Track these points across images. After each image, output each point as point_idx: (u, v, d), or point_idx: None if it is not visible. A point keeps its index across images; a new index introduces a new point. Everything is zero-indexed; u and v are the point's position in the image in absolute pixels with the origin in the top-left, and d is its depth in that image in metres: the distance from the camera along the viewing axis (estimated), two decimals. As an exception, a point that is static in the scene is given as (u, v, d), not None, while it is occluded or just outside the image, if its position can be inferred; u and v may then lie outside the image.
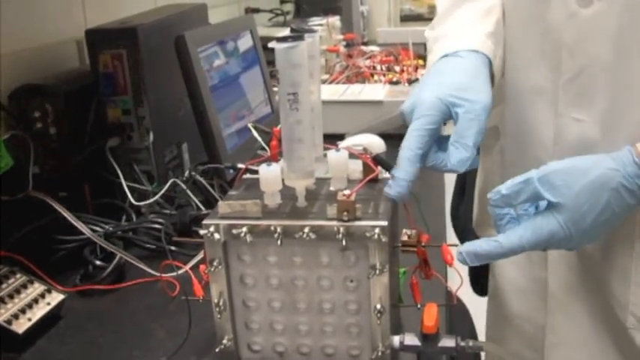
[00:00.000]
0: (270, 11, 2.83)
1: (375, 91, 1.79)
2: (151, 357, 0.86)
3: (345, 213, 0.71)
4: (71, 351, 0.89)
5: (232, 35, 1.49)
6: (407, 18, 4.01)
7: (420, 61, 2.13)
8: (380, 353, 0.75)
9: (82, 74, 1.29)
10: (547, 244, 0.76)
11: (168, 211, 1.22)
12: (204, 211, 1.20)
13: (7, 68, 1.17)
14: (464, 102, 0.77)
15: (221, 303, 0.77)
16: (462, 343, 0.76)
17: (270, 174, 0.75)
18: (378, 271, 0.72)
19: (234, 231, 0.74)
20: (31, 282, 0.96)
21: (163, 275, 0.95)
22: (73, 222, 1.06)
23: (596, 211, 0.73)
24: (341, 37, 2.45)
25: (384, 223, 0.71)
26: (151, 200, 1.21)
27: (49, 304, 0.94)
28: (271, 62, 0.80)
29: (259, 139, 1.05)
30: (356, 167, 0.81)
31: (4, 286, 0.93)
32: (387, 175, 0.81)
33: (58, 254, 1.08)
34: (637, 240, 0.86)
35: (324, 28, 2.31)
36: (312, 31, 0.79)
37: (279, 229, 0.72)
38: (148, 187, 1.26)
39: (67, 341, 0.91)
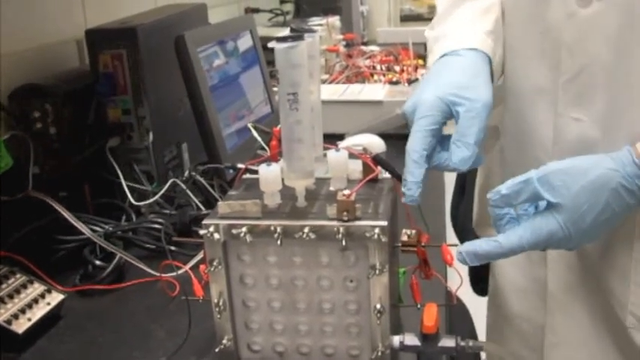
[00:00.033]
0: (270, 11, 2.83)
1: (374, 91, 1.79)
2: (150, 357, 0.86)
3: (345, 213, 0.71)
4: (71, 351, 0.89)
5: (232, 35, 1.49)
6: (407, 18, 4.01)
7: (420, 61, 2.13)
8: (380, 353, 0.75)
9: (82, 74, 1.29)
10: (546, 244, 0.76)
11: (168, 211, 1.22)
12: (204, 211, 1.20)
13: (7, 68, 1.17)
14: (464, 101, 0.77)
15: (221, 303, 0.77)
16: (462, 343, 0.76)
17: (269, 174, 0.75)
18: (377, 271, 0.72)
19: (234, 231, 0.74)
20: (31, 282, 0.96)
21: (163, 275, 0.95)
22: (72, 222, 1.06)
23: (595, 211, 0.74)
24: (341, 37, 2.45)
25: (384, 223, 0.71)
26: (151, 200, 1.21)
27: (48, 304, 0.94)
28: (271, 62, 0.80)
29: (259, 139, 1.05)
30: (356, 167, 0.81)
31: (4, 286, 0.93)
32: (386, 174, 0.81)
33: (57, 254, 1.08)
34: (636, 240, 0.86)
35: (324, 28, 2.31)
36: (311, 31, 0.79)
37: (278, 229, 0.72)
38: (148, 187, 1.26)
39: (67, 341, 0.91)
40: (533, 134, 0.94)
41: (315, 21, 2.41)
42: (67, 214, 1.06)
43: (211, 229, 0.74)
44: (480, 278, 1.35)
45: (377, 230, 0.71)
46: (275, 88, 1.51)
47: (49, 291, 0.96)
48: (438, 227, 1.16)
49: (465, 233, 1.50)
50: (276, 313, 0.78)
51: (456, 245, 0.78)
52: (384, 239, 0.71)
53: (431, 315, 0.75)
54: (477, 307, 1.41)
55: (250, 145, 1.34)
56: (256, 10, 2.62)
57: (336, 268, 0.75)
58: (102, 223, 1.14)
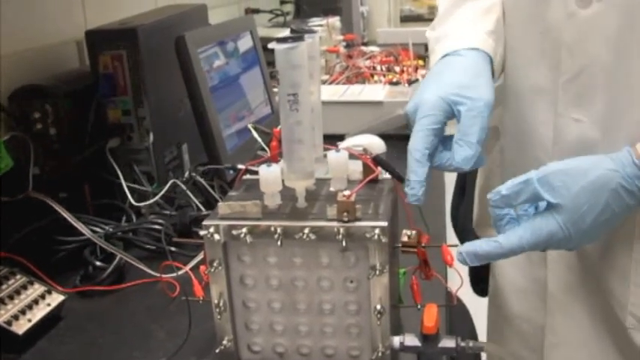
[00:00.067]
0: (270, 12, 2.83)
1: (375, 91, 1.79)
2: (151, 358, 0.86)
3: (345, 214, 0.71)
4: (71, 352, 0.89)
5: (232, 36, 1.49)
6: (407, 18, 4.01)
7: (420, 62, 2.13)
8: (380, 354, 0.75)
9: (82, 75, 1.29)
10: (546, 244, 0.76)
11: (168, 212, 1.22)
12: (204, 211, 1.20)
13: (7, 69, 1.17)
14: (466, 100, 0.77)
15: (221, 304, 0.77)
16: (463, 344, 0.76)
17: (270, 175, 0.75)
18: (378, 272, 0.72)
19: (234, 232, 0.74)
20: (31, 283, 0.96)
21: (163, 276, 0.95)
22: (73, 223, 1.06)
23: (595, 211, 0.74)
24: (341, 37, 2.45)
25: (384, 223, 0.71)
26: (151, 201, 1.21)
27: (49, 305, 0.94)
28: (271, 63, 0.80)
29: (259, 139, 1.05)
30: (356, 168, 0.81)
31: (4, 287, 0.93)
32: (387, 175, 0.81)
33: (58, 255, 1.08)
34: (636, 240, 0.86)
35: (324, 28, 2.31)
36: (312, 31, 0.79)
37: (279, 230, 0.72)
38: (148, 187, 1.26)
39: (67, 342, 0.91)
40: (533, 134, 0.94)
41: (315, 21, 2.41)
42: (67, 215, 1.06)
43: (211, 229, 0.74)
44: (480, 279, 1.35)
45: (377, 231, 0.71)
46: (275, 89, 1.51)
47: (49, 292, 0.96)
48: (438, 228, 1.16)
49: (465, 234, 1.50)
50: (277, 313, 0.78)
51: (456, 246, 0.78)
52: (384, 240, 0.71)
53: (431, 315, 0.75)
54: (478, 307, 1.41)
55: (250, 145, 1.34)
56: (256, 11, 2.62)
57: (336, 268, 0.75)
58: (102, 223, 1.14)
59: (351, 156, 0.79)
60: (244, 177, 0.85)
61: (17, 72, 1.20)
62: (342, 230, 0.71)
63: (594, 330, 0.95)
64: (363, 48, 2.43)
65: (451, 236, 1.59)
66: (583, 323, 0.95)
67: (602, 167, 0.74)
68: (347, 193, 0.72)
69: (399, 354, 0.78)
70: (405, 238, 0.78)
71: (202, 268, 0.79)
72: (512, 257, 0.78)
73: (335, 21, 2.43)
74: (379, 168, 0.80)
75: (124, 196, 1.22)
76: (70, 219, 1.06)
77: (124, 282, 1.04)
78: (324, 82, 1.98)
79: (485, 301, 1.25)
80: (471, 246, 0.76)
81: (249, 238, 0.73)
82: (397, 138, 0.90)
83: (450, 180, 1.65)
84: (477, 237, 1.00)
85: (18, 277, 0.96)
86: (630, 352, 0.91)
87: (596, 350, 0.95)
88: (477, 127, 0.76)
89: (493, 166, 1.09)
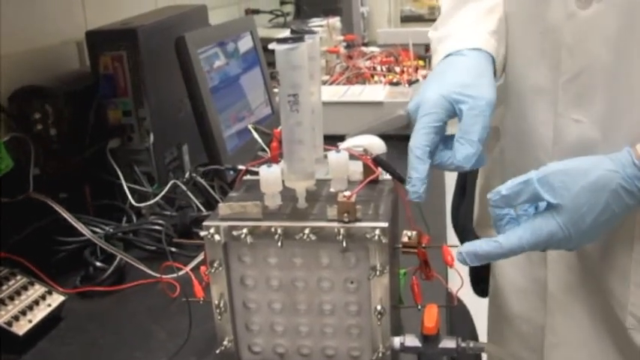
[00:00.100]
0: (271, 12, 2.83)
1: (375, 92, 1.79)
2: (151, 358, 0.86)
3: (346, 214, 0.71)
4: (72, 352, 0.89)
5: (232, 36, 1.49)
6: (407, 19, 4.01)
7: (421, 62, 2.13)
8: (380, 354, 0.75)
9: (82, 76, 1.29)
10: (546, 244, 0.76)
11: (168, 213, 1.22)
12: (204, 212, 1.20)
13: (7, 69, 1.17)
14: (468, 99, 0.78)
15: (221, 304, 0.77)
16: (463, 344, 0.76)
17: (270, 175, 0.75)
18: (378, 273, 0.72)
19: (235, 232, 0.74)
20: (32, 283, 0.96)
21: (164, 276, 0.95)
22: (73, 223, 1.06)
23: (595, 212, 0.74)
24: (341, 38, 2.45)
25: (385, 224, 0.71)
26: (152, 202, 1.21)
27: (49, 305, 0.94)
28: (271, 63, 0.80)
29: (260, 140, 1.05)
30: (356, 168, 0.81)
31: (4, 287, 0.93)
32: (387, 176, 0.81)
33: (58, 256, 1.08)
34: (636, 240, 0.86)
35: (325, 29, 2.31)
36: (312, 32, 0.79)
37: (279, 231, 0.72)
38: (149, 188, 1.26)
39: (68, 342, 0.91)
40: (533, 135, 0.94)
41: (315, 22, 2.41)
42: (67, 216, 1.06)
43: (212, 230, 0.74)
44: (481, 279, 1.35)
45: (377, 231, 0.71)
46: (275, 90, 1.51)
47: (49, 292, 0.96)
48: (438, 228, 1.16)
49: (466, 234, 1.50)
50: (277, 314, 0.78)
51: (456, 246, 0.78)
52: (384, 240, 0.71)
53: (431, 316, 0.75)
54: (478, 308, 1.41)
55: (251, 146, 1.34)
56: (257, 12, 2.62)
57: (336, 269, 0.75)
58: (102, 224, 1.14)
59: (352, 156, 0.79)
60: (245, 178, 0.85)
61: (17, 72, 1.20)
62: (342, 231, 0.71)
63: (594, 330, 0.95)
64: (364, 48, 2.44)
65: (451, 237, 1.59)
66: (583, 323, 0.95)
67: (602, 168, 0.74)
68: (347, 193, 0.72)
69: (400, 354, 0.78)
70: (405, 239, 0.78)
71: (203, 268, 0.79)
72: (512, 257, 0.78)
73: (335, 21, 2.43)
74: (379, 169, 0.80)
75: (124, 197, 1.22)
76: (70, 219, 1.06)
77: (124, 282, 1.04)
78: (324, 83, 1.98)
79: (485, 301, 1.25)
80: (471, 246, 0.76)
81: (249, 239, 0.73)
82: (397, 138, 0.90)
83: (451, 180, 1.65)
84: (477, 237, 1.00)
85: (18, 277, 0.96)
86: (630, 352, 0.91)
87: (596, 350, 0.95)
88: (479, 126, 0.77)
89: (494, 167, 1.09)
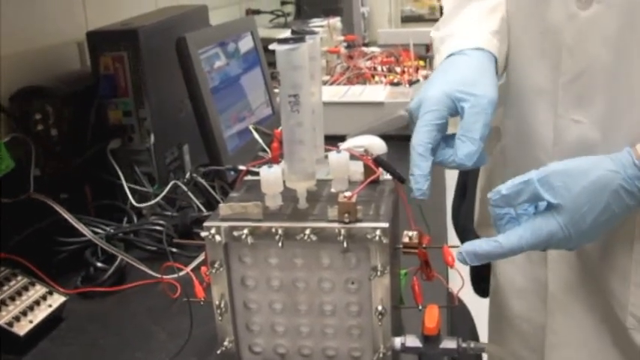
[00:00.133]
0: (271, 12, 2.83)
1: (375, 92, 1.79)
2: (152, 358, 0.86)
3: (346, 215, 0.71)
4: (73, 353, 0.89)
5: (233, 36, 1.49)
6: (408, 19, 4.01)
7: (421, 62, 2.13)
8: (381, 355, 0.75)
9: (82, 76, 1.29)
10: (546, 244, 0.76)
11: (169, 213, 1.23)
12: (205, 212, 1.20)
13: (7, 70, 1.17)
14: (470, 96, 0.78)
15: (222, 305, 0.77)
16: (464, 345, 0.76)
17: (271, 176, 0.75)
18: (379, 273, 0.72)
19: (236, 233, 0.74)
20: (33, 284, 0.96)
21: (164, 277, 0.95)
22: (74, 224, 1.06)
23: (595, 212, 0.74)
24: (342, 38, 2.45)
25: (385, 224, 0.71)
26: (152, 202, 1.21)
27: (50, 306, 0.94)
28: (272, 63, 0.80)
29: (260, 140, 1.05)
30: (357, 169, 0.81)
31: (5, 288, 0.93)
32: (388, 176, 0.81)
33: (59, 256, 1.08)
34: (636, 241, 0.86)
35: (325, 29, 2.31)
36: (313, 32, 0.79)
37: (280, 231, 0.72)
38: (149, 188, 1.26)
39: (69, 343, 0.91)
40: (533, 135, 0.94)
41: (316, 22, 2.41)
42: (68, 216, 1.06)
43: (212, 230, 0.74)
44: (482, 279, 1.35)
45: (378, 232, 0.71)
46: (276, 90, 1.51)
47: (50, 293, 0.96)
48: (439, 228, 1.16)
49: (466, 234, 1.50)
50: (278, 314, 0.78)
51: (457, 247, 0.78)
52: (385, 241, 0.71)
53: (432, 316, 0.75)
54: (479, 308, 1.41)
55: (251, 146, 1.34)
56: (257, 12, 2.62)
57: (337, 269, 0.75)
58: (103, 224, 1.14)
59: (352, 157, 0.79)
60: (245, 178, 0.85)
61: (18, 73, 1.20)
62: (343, 231, 0.71)
63: (595, 330, 0.95)
64: (364, 49, 2.44)
65: (452, 237, 1.59)
66: (583, 323, 0.95)
67: (602, 168, 0.74)
68: (348, 194, 0.72)
69: (401, 355, 0.78)
70: (406, 239, 0.78)
71: (203, 269, 0.79)
72: (513, 257, 0.78)
73: (336, 22, 2.43)
74: (380, 169, 0.80)
75: (125, 197, 1.22)
76: (71, 220, 1.06)
77: (125, 283, 1.04)
78: (324, 83, 1.98)
79: (486, 301, 1.25)
80: (471, 245, 0.76)
81: (250, 239, 0.73)
82: (398, 139, 0.90)
83: (451, 180, 1.65)
84: (477, 237, 1.00)
85: (19, 278, 0.96)
86: (631, 352, 0.91)
87: (596, 350, 0.95)
88: (480, 124, 0.77)
89: (494, 167, 1.09)
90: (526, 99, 0.94)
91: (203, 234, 0.75)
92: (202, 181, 1.27)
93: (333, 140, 0.84)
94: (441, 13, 1.02)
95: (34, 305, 0.93)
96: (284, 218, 0.74)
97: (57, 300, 0.95)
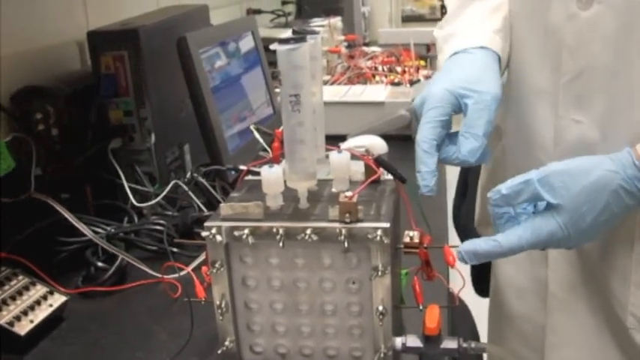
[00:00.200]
0: (272, 12, 2.83)
1: (376, 92, 1.79)
2: (153, 358, 0.86)
3: (347, 215, 0.71)
4: (73, 352, 0.89)
5: (234, 36, 1.49)
6: (408, 19, 4.01)
7: (422, 62, 2.13)
8: (382, 355, 0.75)
9: (83, 76, 1.29)
10: (546, 244, 0.76)
11: (170, 213, 1.22)
12: (206, 212, 1.20)
13: (8, 70, 1.17)
14: (473, 93, 0.78)
15: (223, 305, 0.77)
16: (465, 345, 0.76)
17: (272, 175, 0.75)
18: (380, 273, 0.72)
19: (236, 233, 0.74)
20: (33, 284, 0.96)
21: (165, 277, 0.95)
22: (74, 223, 1.06)
23: (595, 212, 0.74)
24: (342, 38, 2.45)
25: (386, 224, 0.71)
26: (153, 202, 1.21)
27: (51, 305, 0.94)
28: (273, 63, 0.80)
29: (261, 140, 1.05)
30: (358, 168, 0.81)
31: (6, 287, 0.93)
32: (388, 176, 0.81)
33: (60, 256, 1.08)
34: (637, 241, 0.86)
35: (326, 29, 2.31)
36: (314, 32, 0.79)
37: (281, 231, 0.72)
38: (150, 188, 1.26)
39: (70, 343, 0.91)
40: (534, 135, 0.94)
41: (316, 22, 2.42)
42: (69, 216, 1.06)
43: (213, 230, 0.74)
44: (482, 279, 1.35)
45: (379, 232, 0.71)
46: (277, 89, 1.51)
47: (51, 293, 0.96)
48: (440, 228, 1.16)
49: (467, 233, 1.50)
50: (279, 314, 0.78)
51: (457, 246, 0.78)
52: (386, 241, 0.71)
53: (433, 316, 0.75)
54: (479, 308, 1.41)
55: (252, 146, 1.34)
56: (258, 12, 2.62)
57: (338, 269, 0.75)
58: (104, 224, 1.15)
59: (353, 157, 0.79)
60: (246, 178, 0.85)
61: (18, 73, 1.20)
62: (344, 231, 0.71)
63: (595, 330, 0.95)
64: (365, 48, 2.43)
65: (453, 237, 1.59)
66: (584, 323, 0.95)
67: (602, 168, 0.74)
68: (349, 194, 0.72)
69: (401, 355, 0.78)
70: (407, 239, 0.78)
71: (204, 269, 0.79)
72: (513, 256, 0.78)
73: (336, 21, 2.43)
74: (381, 169, 0.80)
75: (125, 197, 1.22)
76: (71, 220, 1.06)
77: (125, 283, 1.04)
78: (325, 83, 1.98)
79: (486, 301, 1.25)
80: (471, 245, 0.76)
81: (251, 239, 0.73)
82: (399, 138, 0.90)
83: (452, 179, 1.65)
84: (478, 236, 1.00)
85: (20, 278, 0.96)
86: (631, 352, 0.91)
87: (597, 350, 0.95)
88: (484, 120, 0.77)
89: (495, 166, 1.09)
90: (527, 99, 0.94)
91: (204, 234, 0.75)
92: (203, 180, 1.27)
93: (334, 140, 0.84)
94: (442, 13, 1.03)
95: (35, 305, 0.93)
96: (285, 218, 0.74)
97: (58, 300, 0.95)
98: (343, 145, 0.81)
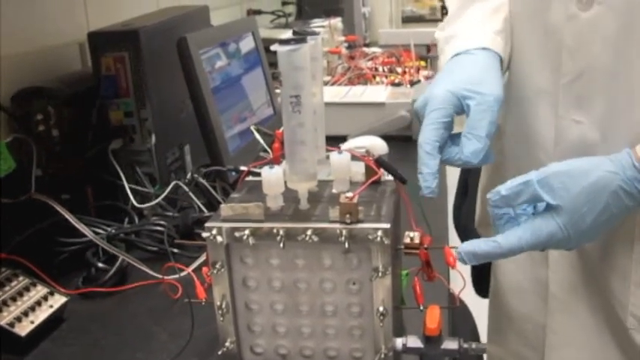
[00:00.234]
0: (272, 13, 2.83)
1: (377, 92, 1.79)
2: (153, 359, 0.86)
3: (348, 215, 0.71)
4: (74, 353, 0.89)
5: (234, 37, 1.49)
6: (408, 19, 4.01)
7: (422, 63, 2.14)
8: (382, 355, 0.75)
9: (84, 77, 1.29)
10: (546, 245, 0.76)
11: (170, 214, 1.23)
12: (206, 213, 1.20)
13: (9, 70, 1.17)
14: (475, 94, 0.78)
15: (223, 305, 0.77)
16: (465, 345, 0.76)
17: (272, 176, 0.75)
18: (380, 274, 0.72)
19: (237, 233, 0.74)
20: (34, 285, 0.96)
21: (166, 277, 0.95)
22: (75, 224, 1.06)
23: (594, 213, 0.74)
24: (343, 38, 2.45)
25: (387, 225, 0.71)
26: (154, 202, 1.21)
27: (51, 306, 0.94)
28: (273, 64, 0.80)
29: (261, 141, 1.05)
30: (358, 169, 0.81)
31: (6, 288, 0.93)
32: (389, 177, 0.81)
33: (60, 257, 1.08)
34: (637, 241, 0.86)
35: (326, 29, 2.31)
36: (314, 33, 0.79)
37: (281, 232, 0.72)
38: (151, 189, 1.26)
39: (70, 344, 0.91)
40: (534, 135, 0.94)
41: (317, 23, 2.42)
42: (69, 217, 1.06)
43: (214, 231, 0.74)
44: (482, 279, 1.35)
45: (380, 233, 0.71)
46: (277, 90, 1.51)
47: (51, 293, 0.96)
48: (440, 229, 1.16)
49: (468, 233, 1.50)
50: (279, 315, 0.78)
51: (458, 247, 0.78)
52: (386, 242, 0.71)
53: (433, 317, 0.75)
54: (479, 308, 1.41)
55: (253, 147, 1.34)
56: (258, 12, 2.62)
57: (338, 270, 0.75)
58: (104, 225, 1.15)
59: (354, 157, 0.79)
60: (247, 179, 0.85)
61: (19, 73, 1.20)
62: (344, 232, 0.71)
63: (596, 330, 0.95)
64: (365, 49, 2.44)
65: (453, 237, 1.59)
66: (584, 323, 0.95)
67: (602, 169, 0.74)
68: (349, 194, 0.72)
69: (402, 356, 0.78)
70: (407, 240, 0.78)
71: (205, 269, 0.79)
72: (514, 257, 0.78)
73: (337, 22, 2.43)
74: (381, 169, 0.80)
75: (126, 198, 1.22)
76: (72, 220, 1.06)
77: (126, 283, 1.04)
78: (326, 84, 1.98)
79: (487, 302, 1.25)
80: (470, 245, 0.76)
81: (251, 240, 0.73)
82: (399, 139, 0.90)
83: (453, 180, 1.65)
84: (478, 236, 1.00)
85: (20, 278, 0.96)
86: (632, 352, 0.90)
87: (597, 350, 0.95)
88: (486, 121, 0.77)
89: (495, 167, 1.09)
90: (527, 99, 0.94)
91: (204, 234, 0.75)
92: (203, 181, 1.27)
93: (334, 141, 0.84)
94: (442, 14, 1.03)
95: (35, 306, 0.93)
96: (285, 219, 0.74)
97: (58, 300, 0.95)
98: (344, 146, 0.81)
